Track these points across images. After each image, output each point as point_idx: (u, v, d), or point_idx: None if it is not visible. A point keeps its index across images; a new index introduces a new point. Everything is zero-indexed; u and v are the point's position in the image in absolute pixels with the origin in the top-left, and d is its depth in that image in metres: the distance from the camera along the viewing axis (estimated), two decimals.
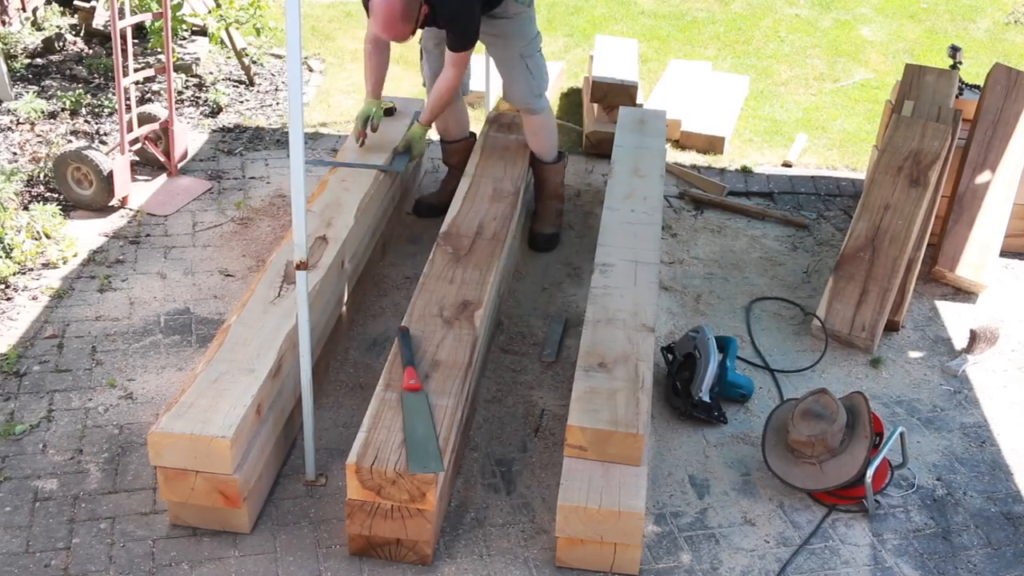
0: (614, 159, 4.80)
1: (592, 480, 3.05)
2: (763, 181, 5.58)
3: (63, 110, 5.74)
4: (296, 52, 2.64)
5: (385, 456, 2.94)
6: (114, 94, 5.78)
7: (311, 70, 6.76)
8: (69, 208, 4.81)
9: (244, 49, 6.57)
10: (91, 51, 6.57)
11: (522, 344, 4.13)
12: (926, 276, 4.70)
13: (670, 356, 3.91)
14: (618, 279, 3.85)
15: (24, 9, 6.71)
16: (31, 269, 4.35)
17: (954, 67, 4.94)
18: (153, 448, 2.98)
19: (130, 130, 4.89)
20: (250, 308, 3.51)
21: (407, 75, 6.78)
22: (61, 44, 6.52)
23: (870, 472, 3.29)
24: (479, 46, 4.36)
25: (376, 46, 4.42)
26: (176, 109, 5.85)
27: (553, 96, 6.57)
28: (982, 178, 4.70)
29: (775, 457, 3.45)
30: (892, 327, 4.31)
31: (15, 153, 5.26)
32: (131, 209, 4.86)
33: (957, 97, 4.85)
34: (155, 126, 5.06)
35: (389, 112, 4.95)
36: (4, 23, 6.51)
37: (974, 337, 4.21)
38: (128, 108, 4.87)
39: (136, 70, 5.15)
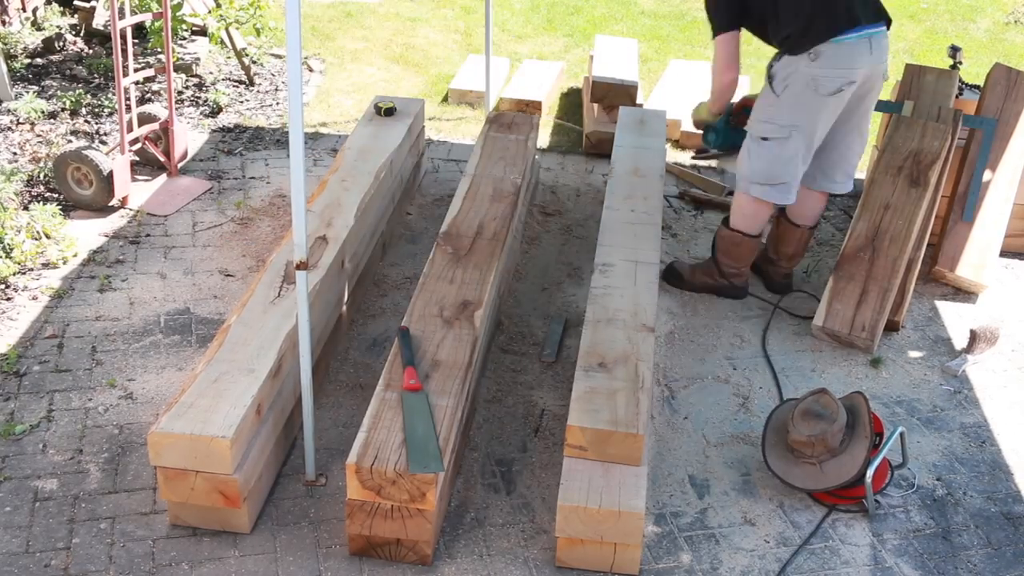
0: (614, 159, 4.80)
1: (592, 480, 3.05)
2: None
3: (63, 110, 5.74)
4: (296, 52, 2.64)
5: (385, 456, 2.93)
6: (114, 94, 5.78)
7: (311, 70, 6.76)
8: (69, 208, 4.81)
9: (244, 49, 6.58)
10: (91, 51, 6.57)
11: (522, 344, 4.13)
12: (926, 276, 4.70)
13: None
14: (618, 279, 3.86)
15: (24, 9, 6.71)
16: (31, 269, 4.35)
17: (954, 67, 4.94)
18: (153, 448, 2.98)
19: (130, 130, 4.89)
20: (250, 308, 3.51)
21: (406, 75, 6.78)
22: (61, 44, 6.53)
23: (870, 472, 3.29)
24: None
25: None
26: (176, 109, 5.85)
27: (553, 96, 6.58)
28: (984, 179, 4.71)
29: (775, 457, 3.45)
30: (892, 327, 4.31)
31: (15, 153, 5.27)
32: (131, 209, 4.87)
33: (957, 97, 4.85)
34: (155, 126, 5.07)
35: (389, 112, 4.96)
36: (4, 23, 6.51)
37: (974, 337, 4.21)
38: (128, 108, 4.87)
39: (136, 70, 5.15)
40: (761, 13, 3.96)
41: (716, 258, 4.45)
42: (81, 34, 6.72)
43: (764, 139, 4.06)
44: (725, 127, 4.46)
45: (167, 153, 5.14)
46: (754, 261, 4.55)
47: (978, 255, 4.64)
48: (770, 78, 4.01)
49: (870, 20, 3.93)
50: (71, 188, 4.80)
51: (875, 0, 4.01)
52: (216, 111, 5.99)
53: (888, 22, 4.03)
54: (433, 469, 2.90)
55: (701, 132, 4.58)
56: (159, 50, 6.21)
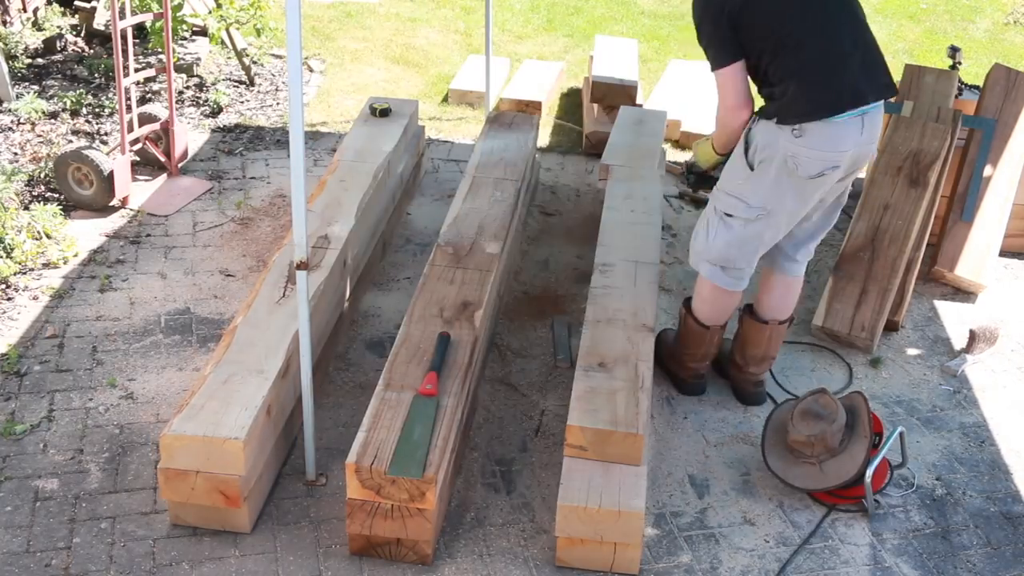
0: (605, 158, 4.80)
1: (592, 480, 3.05)
2: None
3: (64, 110, 5.74)
4: (296, 52, 2.65)
5: (384, 456, 2.94)
6: (115, 94, 5.79)
7: (311, 70, 6.76)
8: (69, 208, 4.81)
9: (244, 49, 6.58)
10: (92, 51, 6.58)
11: (523, 344, 4.13)
12: (926, 276, 4.70)
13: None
14: (618, 279, 3.86)
15: (25, 9, 6.71)
16: (32, 269, 4.36)
17: (954, 67, 4.94)
18: (165, 450, 2.99)
19: (130, 130, 4.89)
20: (256, 309, 3.51)
21: (406, 75, 6.78)
22: (62, 44, 6.53)
23: (870, 472, 3.29)
24: None
25: None
26: (176, 109, 5.85)
27: (553, 96, 6.58)
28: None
29: (775, 457, 3.46)
30: (892, 327, 4.32)
31: (16, 153, 5.27)
32: (131, 209, 4.87)
33: (957, 97, 4.85)
34: (155, 126, 5.07)
35: (384, 113, 4.96)
36: (5, 23, 6.51)
37: (973, 337, 4.21)
38: (128, 108, 4.88)
39: (137, 70, 5.16)
40: (760, 49, 3.25)
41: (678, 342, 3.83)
42: (82, 34, 6.72)
43: (728, 215, 3.42)
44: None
45: (167, 153, 5.14)
46: (721, 365, 3.93)
47: (978, 255, 4.65)
48: (746, 144, 3.33)
49: (875, 97, 3.28)
50: (72, 188, 4.80)
51: (884, 71, 3.34)
52: (216, 111, 5.99)
53: (891, 94, 3.38)
54: (412, 474, 2.89)
55: (694, 179, 3.77)
56: (159, 50, 6.21)
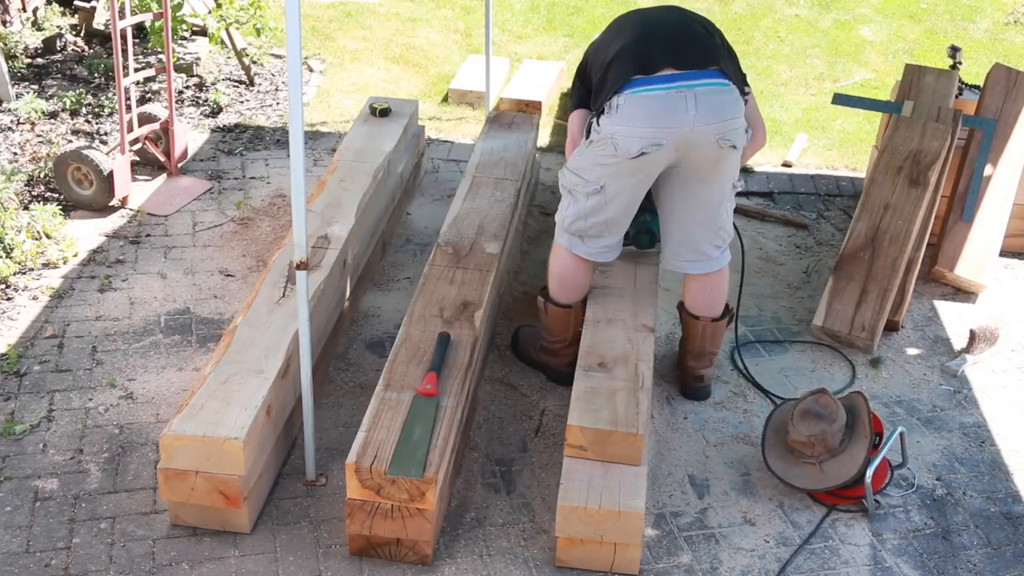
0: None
1: (592, 480, 3.05)
2: (763, 181, 5.58)
3: (63, 110, 5.74)
4: (296, 52, 2.64)
5: (384, 456, 2.94)
6: (114, 94, 5.78)
7: (311, 70, 6.76)
8: (69, 208, 4.81)
9: (244, 49, 6.58)
10: (91, 51, 6.57)
11: None
12: (926, 276, 4.70)
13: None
14: (618, 279, 3.86)
15: (24, 9, 6.71)
16: (31, 269, 4.35)
17: (954, 67, 4.94)
18: (165, 450, 2.99)
19: (130, 130, 4.89)
20: (256, 309, 3.51)
21: (406, 75, 6.78)
22: (61, 44, 6.53)
23: (870, 472, 3.29)
24: None
25: None
26: (176, 109, 5.85)
27: (553, 96, 6.58)
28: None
29: (775, 457, 3.46)
30: (892, 327, 4.32)
31: (15, 153, 5.27)
32: (131, 209, 4.87)
33: (957, 97, 4.85)
34: (155, 126, 5.07)
35: (384, 113, 4.96)
36: (5, 23, 6.51)
37: (974, 337, 4.21)
38: (128, 108, 4.87)
39: (136, 70, 5.15)
40: (597, 75, 3.43)
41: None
42: (81, 34, 6.72)
43: (570, 191, 3.55)
44: (655, 218, 3.75)
45: (167, 153, 5.14)
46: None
47: (978, 255, 4.64)
48: (587, 128, 3.44)
49: (688, 67, 3.24)
50: (71, 188, 4.80)
51: (705, 45, 3.34)
52: (216, 111, 5.99)
53: (730, 74, 3.33)
54: (412, 474, 2.90)
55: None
56: (159, 50, 6.21)
